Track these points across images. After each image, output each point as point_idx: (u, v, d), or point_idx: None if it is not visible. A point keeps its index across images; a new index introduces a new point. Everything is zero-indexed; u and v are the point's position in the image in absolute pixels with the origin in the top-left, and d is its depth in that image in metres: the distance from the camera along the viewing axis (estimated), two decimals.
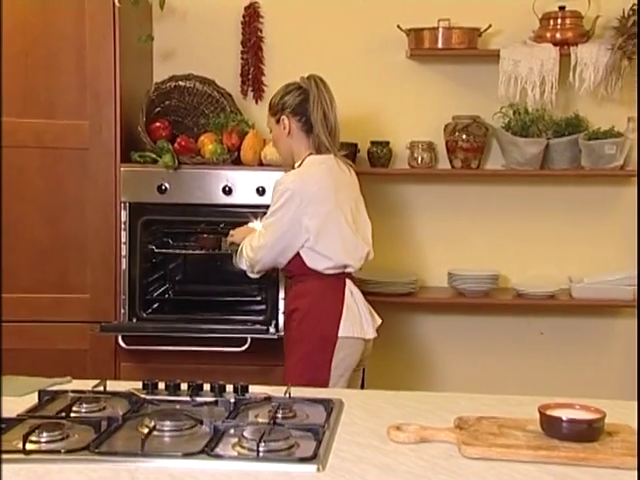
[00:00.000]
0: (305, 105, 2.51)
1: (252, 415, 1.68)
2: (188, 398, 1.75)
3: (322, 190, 2.46)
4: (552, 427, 1.51)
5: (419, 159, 3.28)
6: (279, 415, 1.64)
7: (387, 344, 3.25)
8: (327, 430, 1.57)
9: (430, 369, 3.41)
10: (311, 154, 2.54)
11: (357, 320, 2.47)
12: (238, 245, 2.64)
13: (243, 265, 2.61)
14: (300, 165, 2.54)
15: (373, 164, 3.32)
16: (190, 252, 3.13)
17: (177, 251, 3.15)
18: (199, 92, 3.15)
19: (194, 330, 2.83)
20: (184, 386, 1.81)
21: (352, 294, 2.50)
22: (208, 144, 2.99)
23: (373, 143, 3.31)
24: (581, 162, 3.18)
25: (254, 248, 2.53)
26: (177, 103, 3.17)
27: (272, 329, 2.84)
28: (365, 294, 3.19)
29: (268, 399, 1.76)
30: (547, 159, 3.22)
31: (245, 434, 1.50)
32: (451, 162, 3.29)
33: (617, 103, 3.25)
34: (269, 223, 2.51)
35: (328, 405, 1.73)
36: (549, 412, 1.54)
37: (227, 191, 2.90)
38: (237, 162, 3.01)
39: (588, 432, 1.50)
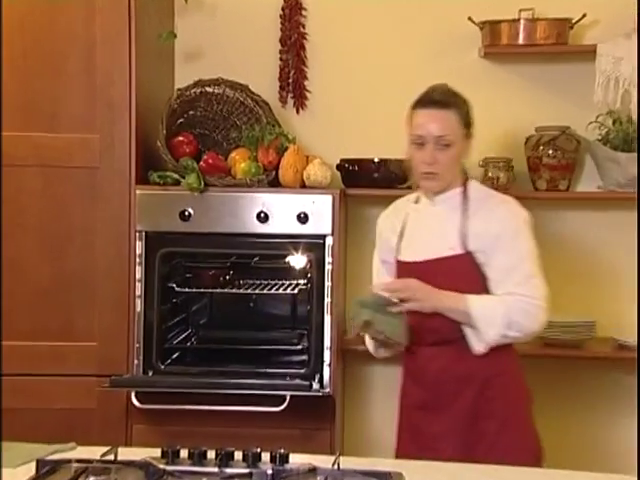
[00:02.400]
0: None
1: None
2: (216, 469, 1.76)
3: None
4: None
5: (495, 179, 3.27)
6: None
7: None
8: None
9: None
10: (467, 177, 2.52)
11: None
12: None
13: (497, 339, 2.35)
14: (465, 191, 2.46)
15: None
16: (218, 291, 3.18)
17: (202, 290, 3.20)
18: (229, 100, 3.20)
19: (221, 385, 2.85)
20: (211, 454, 1.82)
21: None
22: (240, 162, 3.04)
23: None
24: None
25: (544, 303, 2.37)
26: (203, 113, 3.24)
27: (316, 384, 2.86)
28: None
29: (313, 470, 1.76)
30: None
31: None
32: (534, 183, 3.28)
33: None
34: (535, 260, 2.40)
35: (385, 479, 1.72)
36: None
37: (263, 218, 2.94)
38: (275, 184, 3.06)
39: None
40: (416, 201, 2.53)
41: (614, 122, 3.20)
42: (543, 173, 3.24)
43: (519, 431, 2.39)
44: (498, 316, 2.30)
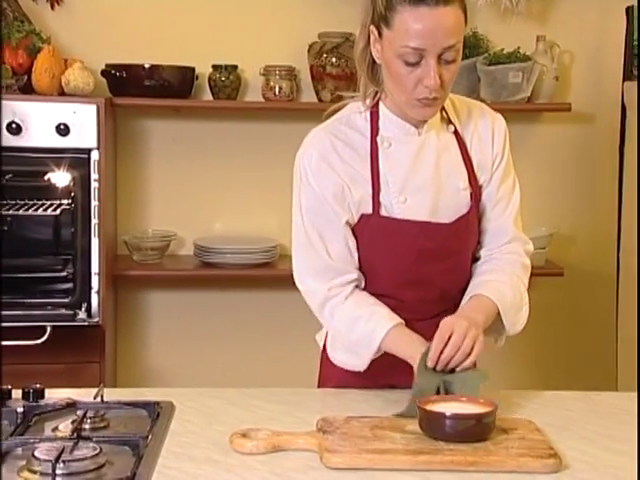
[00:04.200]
0: None
1: (49, 428, 1.64)
2: None
3: None
4: (433, 425, 1.57)
5: (277, 89, 3.28)
6: (86, 426, 1.61)
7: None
8: (151, 442, 1.55)
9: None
10: None
11: None
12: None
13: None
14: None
15: (216, 95, 3.29)
16: None
17: None
18: None
19: None
20: None
21: None
22: None
23: (216, 67, 3.28)
24: (480, 93, 3.29)
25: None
26: None
27: (82, 314, 2.81)
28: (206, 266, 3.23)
29: (72, 405, 1.72)
30: None
31: (37, 454, 1.45)
32: (318, 93, 3.31)
33: (524, 18, 3.39)
34: (519, 192, 2.02)
35: (153, 410, 1.71)
36: (429, 407, 1.60)
37: (15, 129, 2.81)
38: (28, 90, 2.92)
39: (477, 429, 1.56)
40: (375, 131, 1.89)
41: None
42: (327, 83, 3.28)
43: None
44: (522, 297, 1.93)
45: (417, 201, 1.87)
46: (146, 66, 3.15)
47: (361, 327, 1.84)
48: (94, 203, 2.90)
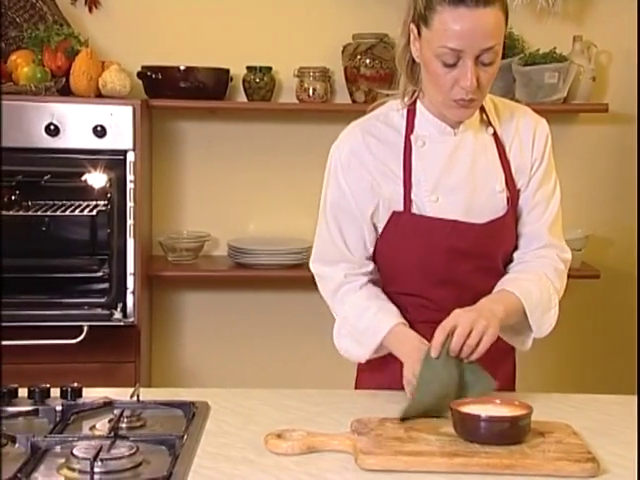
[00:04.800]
0: None
1: (86, 427, 1.65)
2: None
3: None
4: (467, 428, 1.56)
5: (311, 91, 3.28)
6: (123, 425, 1.62)
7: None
8: (186, 442, 1.56)
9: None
10: None
11: None
12: None
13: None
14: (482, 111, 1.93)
15: (250, 96, 3.30)
16: (4, 213, 3.02)
17: None
18: None
19: (10, 318, 2.76)
20: None
21: None
22: (23, 66, 2.90)
23: (250, 69, 3.28)
24: (515, 94, 3.27)
25: (566, 267, 1.97)
26: None
27: (118, 314, 2.83)
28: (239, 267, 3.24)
29: (109, 404, 1.73)
30: None
31: (75, 452, 1.47)
32: (352, 95, 3.31)
33: (560, 18, 3.36)
34: (559, 198, 1.98)
35: (189, 409, 1.72)
36: (464, 409, 1.59)
37: (53, 131, 2.83)
38: (66, 92, 2.94)
39: (512, 432, 1.55)
40: (410, 129, 1.88)
41: None
42: (361, 84, 3.27)
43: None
44: (551, 299, 1.89)
45: (450, 201, 1.86)
46: (181, 68, 3.17)
47: (369, 317, 1.86)
48: (130, 204, 2.92)
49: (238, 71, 3.28)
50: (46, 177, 2.97)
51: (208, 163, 3.39)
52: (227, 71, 3.25)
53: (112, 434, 1.55)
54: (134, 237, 2.91)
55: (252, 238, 3.37)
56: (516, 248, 1.96)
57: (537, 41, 3.32)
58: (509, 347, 1.98)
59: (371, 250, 1.92)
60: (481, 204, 1.88)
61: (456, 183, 1.87)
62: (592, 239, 3.35)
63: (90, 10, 3.22)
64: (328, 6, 3.33)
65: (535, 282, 1.88)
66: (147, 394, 1.78)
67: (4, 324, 2.75)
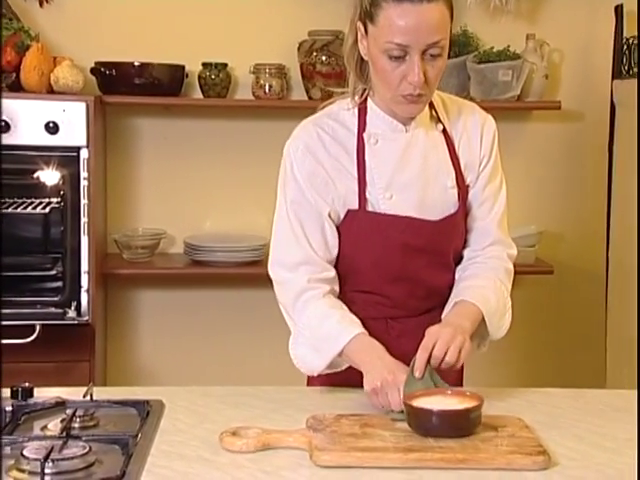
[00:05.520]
0: None
1: (38, 427, 1.64)
2: None
3: None
4: (421, 421, 1.57)
5: (267, 87, 3.27)
6: (76, 425, 1.61)
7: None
8: (140, 441, 1.55)
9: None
10: None
11: None
12: None
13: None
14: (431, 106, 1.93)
15: (206, 93, 3.29)
16: None
17: None
18: None
19: None
20: None
21: None
22: None
23: (206, 65, 3.27)
24: (470, 91, 3.30)
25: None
26: None
27: (72, 312, 2.80)
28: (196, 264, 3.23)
29: (61, 404, 1.71)
30: None
31: (26, 453, 1.45)
32: (308, 91, 3.31)
33: (513, 16, 3.39)
34: (505, 194, 2.01)
35: (143, 408, 1.71)
36: (416, 403, 1.60)
37: (4, 127, 2.80)
38: (16, 88, 2.91)
39: (464, 424, 1.56)
40: (362, 127, 1.89)
41: None
42: (317, 81, 3.27)
43: None
44: (505, 303, 1.93)
45: (403, 198, 1.87)
46: (136, 64, 3.14)
47: (332, 325, 1.82)
48: (84, 201, 2.90)
49: (194, 67, 3.27)
50: None
51: (163, 160, 3.37)
52: (182, 67, 3.24)
53: (64, 434, 1.54)
54: (88, 235, 2.90)
55: (208, 235, 3.35)
56: (465, 243, 1.97)
57: (491, 39, 3.35)
58: None
59: (334, 253, 1.89)
60: (433, 200, 1.89)
61: (409, 180, 1.88)
62: (545, 235, 3.39)
63: (41, 4, 3.18)
64: (284, 2, 3.33)
65: (491, 289, 1.90)
66: (101, 393, 1.77)
67: None
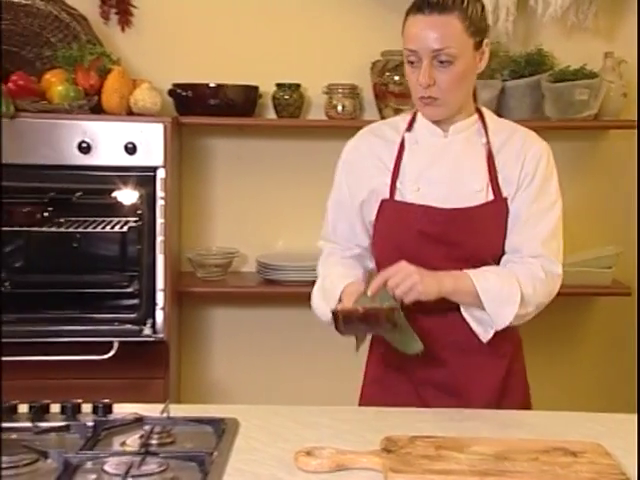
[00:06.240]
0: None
1: (117, 443, 1.67)
2: (29, 424, 1.71)
3: None
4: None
5: (339, 107, 3.29)
6: (153, 441, 1.64)
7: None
8: (216, 458, 1.57)
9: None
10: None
11: None
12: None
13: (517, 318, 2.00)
14: (483, 120, 2.11)
15: (279, 113, 3.32)
16: (35, 229, 3.06)
17: (16, 228, 3.07)
18: (41, 12, 3.07)
19: (40, 333, 2.79)
20: (23, 408, 1.77)
21: None
22: (57, 85, 2.93)
23: (279, 86, 3.31)
24: (545, 111, 3.26)
25: (550, 279, 2.03)
26: (10, 27, 3.08)
27: (147, 330, 2.84)
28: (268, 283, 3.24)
29: (139, 420, 1.74)
30: (502, 106, 3.29)
31: (107, 468, 1.49)
32: (380, 111, 3.32)
33: (591, 34, 3.35)
34: (561, 212, 2.07)
35: (218, 426, 1.73)
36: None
37: (85, 148, 2.86)
38: (97, 110, 2.97)
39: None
40: (408, 129, 2.11)
41: None
42: (389, 101, 3.28)
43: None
44: (512, 294, 1.97)
45: (430, 191, 2.04)
46: (211, 85, 3.19)
47: (335, 277, 2.07)
48: (160, 220, 2.93)
49: (267, 88, 3.31)
50: (78, 194, 2.99)
51: (237, 180, 3.41)
52: (256, 88, 3.28)
53: (143, 450, 1.57)
54: (164, 253, 2.93)
55: (281, 254, 3.38)
56: (504, 253, 2.06)
57: (567, 57, 3.31)
58: (496, 357, 2.07)
59: (361, 237, 2.15)
60: (458, 199, 2.03)
61: (437, 176, 2.05)
62: (623, 256, 3.33)
63: (122, 29, 3.26)
64: (357, 23, 3.34)
65: (499, 275, 2.00)
66: (176, 410, 1.79)
67: (38, 340, 2.77)
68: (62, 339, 2.77)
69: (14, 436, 1.66)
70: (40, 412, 1.75)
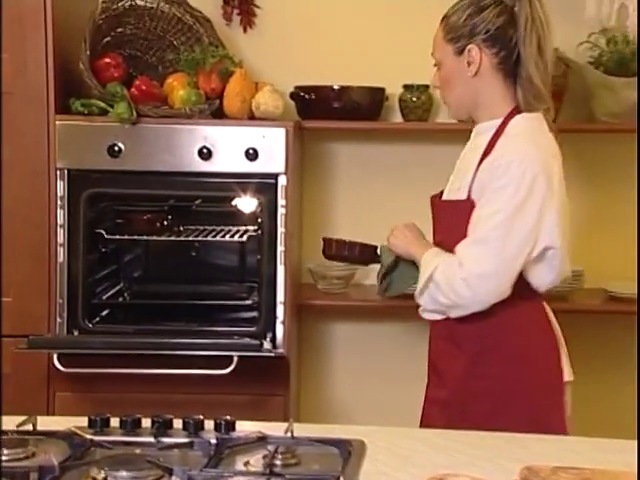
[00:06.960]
0: (509, 31, 2.28)
1: (240, 462, 1.68)
2: (152, 439, 1.75)
3: (560, 171, 2.29)
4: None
5: None
6: (277, 462, 1.65)
7: None
8: None
9: None
10: (517, 109, 2.30)
11: (567, 358, 2.43)
12: (398, 260, 2.49)
13: (427, 301, 2.38)
14: (503, 124, 2.29)
15: (407, 116, 3.32)
16: (154, 238, 3.15)
17: (135, 237, 3.17)
18: (165, 16, 3.16)
19: (158, 346, 2.84)
20: (146, 422, 1.81)
21: (552, 321, 2.43)
22: (178, 89, 3.00)
23: (407, 88, 3.31)
24: None
25: (471, 278, 2.20)
26: (134, 31, 3.19)
27: (267, 344, 2.87)
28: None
29: (263, 439, 1.76)
30: None
31: None
32: None
33: None
34: (500, 224, 2.19)
35: (344, 448, 1.73)
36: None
37: (205, 154, 2.92)
38: (219, 114, 3.03)
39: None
40: None
41: (608, 42, 3.20)
42: None
43: (511, 416, 2.26)
44: (425, 272, 2.28)
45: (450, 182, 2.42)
46: (335, 87, 3.22)
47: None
48: (281, 230, 2.96)
49: (394, 90, 3.31)
50: (197, 201, 3.06)
51: (361, 187, 3.43)
52: (382, 90, 3.29)
53: (267, 471, 1.58)
54: (284, 264, 2.96)
55: None
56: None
57: None
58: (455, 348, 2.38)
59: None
60: (449, 191, 2.38)
61: (455, 170, 2.41)
62: None
63: (244, 30, 3.33)
64: None
65: (437, 254, 2.30)
66: (299, 430, 1.80)
67: (153, 352, 2.84)
68: (181, 352, 2.83)
69: (138, 451, 1.70)
70: (163, 427, 1.79)
